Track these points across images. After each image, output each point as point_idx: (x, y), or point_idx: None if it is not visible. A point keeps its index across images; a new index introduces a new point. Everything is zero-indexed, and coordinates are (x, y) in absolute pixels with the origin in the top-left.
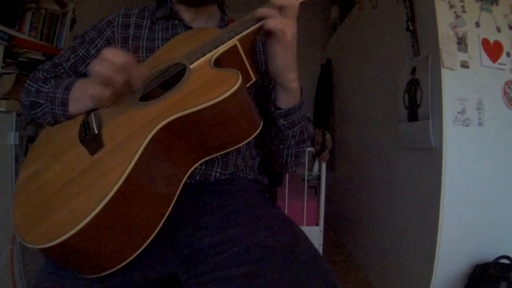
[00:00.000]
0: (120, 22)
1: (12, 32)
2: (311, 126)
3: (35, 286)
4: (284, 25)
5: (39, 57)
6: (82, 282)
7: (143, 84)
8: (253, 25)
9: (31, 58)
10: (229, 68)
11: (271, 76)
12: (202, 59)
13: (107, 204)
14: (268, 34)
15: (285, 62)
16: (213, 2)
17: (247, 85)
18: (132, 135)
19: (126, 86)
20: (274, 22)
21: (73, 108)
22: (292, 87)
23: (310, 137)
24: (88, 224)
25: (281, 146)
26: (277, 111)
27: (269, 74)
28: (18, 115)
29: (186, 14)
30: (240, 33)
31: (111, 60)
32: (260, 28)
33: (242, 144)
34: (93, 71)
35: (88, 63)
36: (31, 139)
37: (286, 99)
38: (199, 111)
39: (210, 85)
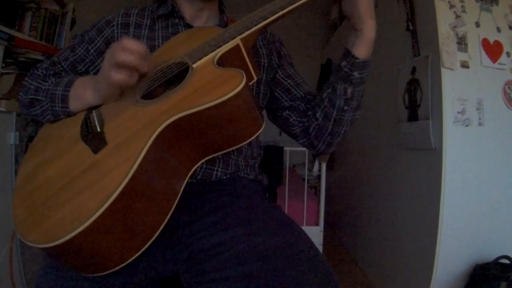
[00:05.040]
0: (119, 21)
1: (12, 32)
2: None
3: (36, 286)
4: None
5: (39, 57)
6: (82, 282)
7: (147, 81)
8: (257, 24)
9: (31, 58)
10: (232, 68)
11: (355, 28)
12: (205, 58)
13: (111, 203)
14: None
15: (366, 5)
16: None
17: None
18: (136, 133)
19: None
20: None
21: (73, 105)
22: (371, 36)
23: (361, 106)
24: (91, 224)
25: (345, 108)
26: (356, 61)
27: (273, 67)
28: (18, 115)
29: (188, 12)
30: (243, 32)
31: (136, 49)
32: (264, 27)
33: (244, 143)
34: (119, 60)
35: (87, 63)
36: (31, 139)
37: (364, 48)
38: (204, 110)
39: (214, 84)
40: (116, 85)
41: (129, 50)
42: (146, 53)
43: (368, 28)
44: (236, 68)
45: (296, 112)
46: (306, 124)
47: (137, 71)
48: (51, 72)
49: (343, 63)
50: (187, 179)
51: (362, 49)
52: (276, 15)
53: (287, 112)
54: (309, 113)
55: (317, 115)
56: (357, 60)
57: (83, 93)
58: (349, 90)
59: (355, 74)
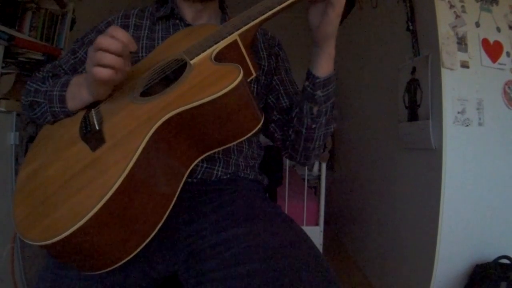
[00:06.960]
0: (119, 23)
1: (12, 32)
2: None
3: (36, 285)
4: None
5: (39, 57)
6: (82, 281)
7: (145, 79)
8: (254, 19)
9: (31, 58)
10: (230, 63)
11: (317, 43)
12: (202, 54)
13: (108, 200)
14: (326, 1)
15: (334, 27)
16: None
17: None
18: (133, 130)
19: (124, 71)
20: None
21: (71, 104)
22: (332, 53)
23: (335, 119)
24: (89, 220)
25: (313, 126)
26: (317, 80)
27: (271, 71)
28: (18, 115)
29: (188, 12)
30: (240, 28)
31: (120, 37)
32: (262, 22)
33: (243, 139)
34: (103, 45)
35: None
36: (31, 139)
37: (325, 66)
38: (200, 105)
39: (211, 80)
40: (102, 82)
41: (112, 37)
42: (129, 40)
43: (331, 47)
44: (233, 63)
45: (279, 127)
46: (284, 138)
47: (118, 60)
48: (51, 74)
49: (306, 83)
50: (185, 176)
51: (322, 67)
52: (273, 10)
53: (273, 125)
54: (285, 128)
55: (290, 132)
56: (318, 80)
57: (78, 91)
58: (315, 109)
59: (318, 93)
